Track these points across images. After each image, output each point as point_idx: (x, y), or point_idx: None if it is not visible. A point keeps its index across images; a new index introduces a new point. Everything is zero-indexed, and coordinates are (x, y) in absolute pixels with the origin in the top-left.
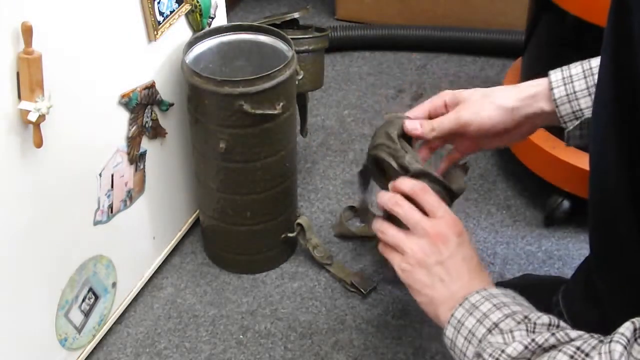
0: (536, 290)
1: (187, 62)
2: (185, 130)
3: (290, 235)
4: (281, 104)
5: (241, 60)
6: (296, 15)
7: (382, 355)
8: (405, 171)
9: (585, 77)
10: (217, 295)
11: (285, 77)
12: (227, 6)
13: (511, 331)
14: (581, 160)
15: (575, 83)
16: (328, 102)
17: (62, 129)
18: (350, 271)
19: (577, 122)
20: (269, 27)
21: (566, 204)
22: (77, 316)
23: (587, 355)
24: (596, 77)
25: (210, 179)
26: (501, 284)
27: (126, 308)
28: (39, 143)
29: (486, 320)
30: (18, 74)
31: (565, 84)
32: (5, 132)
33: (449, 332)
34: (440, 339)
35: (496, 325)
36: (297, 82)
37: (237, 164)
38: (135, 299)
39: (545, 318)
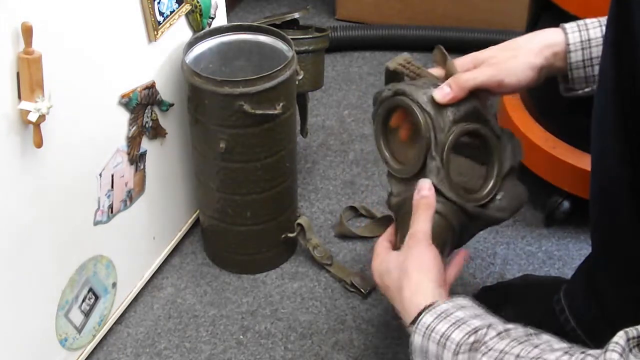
0: (537, 290)
1: (187, 62)
2: (185, 130)
3: (290, 235)
4: (281, 104)
5: (241, 60)
6: (296, 15)
7: (382, 355)
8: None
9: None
10: (217, 295)
11: (285, 77)
12: (227, 6)
13: None
14: (581, 161)
15: (593, 49)
16: (328, 102)
17: (62, 129)
18: (350, 271)
19: (587, 87)
20: (269, 27)
21: (566, 204)
22: (77, 316)
23: None
24: None
25: (210, 179)
26: (501, 284)
27: (126, 308)
28: (39, 143)
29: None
30: (18, 74)
31: (583, 49)
32: (5, 132)
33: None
34: None
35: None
36: (297, 82)
37: (237, 164)
38: (135, 299)
39: (491, 331)
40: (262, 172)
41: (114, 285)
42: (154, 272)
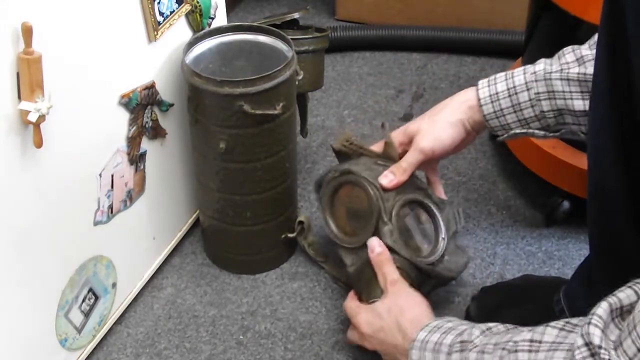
0: (537, 290)
1: (187, 62)
2: (185, 130)
3: (290, 235)
4: (281, 104)
5: (241, 60)
6: (296, 15)
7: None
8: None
9: (510, 96)
10: (217, 295)
11: (285, 77)
12: (227, 6)
13: None
14: (581, 161)
15: (501, 101)
16: (328, 102)
17: (62, 129)
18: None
19: (507, 134)
20: (269, 27)
21: (566, 204)
22: (77, 316)
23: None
24: (519, 96)
25: (210, 179)
26: (501, 284)
27: (126, 308)
28: (39, 143)
29: None
30: (18, 74)
31: (492, 102)
32: (5, 132)
33: None
34: None
35: None
36: (297, 83)
37: (237, 164)
38: (135, 299)
39: (476, 331)
40: (262, 173)
41: (114, 285)
42: (154, 272)
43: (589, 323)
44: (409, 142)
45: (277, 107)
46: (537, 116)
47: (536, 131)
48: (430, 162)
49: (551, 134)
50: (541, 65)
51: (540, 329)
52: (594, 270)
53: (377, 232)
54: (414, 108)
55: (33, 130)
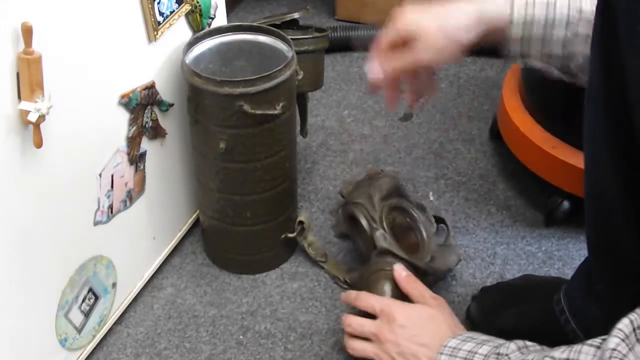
0: (537, 290)
1: (187, 62)
2: (185, 130)
3: (290, 235)
4: (281, 104)
5: (241, 60)
6: (296, 15)
7: None
8: (373, 245)
9: (545, 26)
10: (217, 295)
11: (285, 77)
12: (227, 6)
13: None
14: (581, 161)
15: (534, 28)
16: (328, 102)
17: (62, 129)
18: (344, 268)
19: (522, 62)
20: (269, 27)
21: (566, 204)
22: (77, 316)
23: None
24: (555, 31)
25: (210, 179)
26: (501, 284)
27: (126, 308)
28: (39, 143)
29: None
30: (18, 74)
31: (524, 25)
32: (5, 132)
33: None
34: None
35: None
36: (297, 83)
37: (237, 164)
38: (135, 299)
39: (512, 345)
40: (262, 173)
41: (114, 285)
42: (154, 272)
43: (610, 335)
44: (410, 41)
45: (277, 107)
46: (564, 56)
47: (555, 70)
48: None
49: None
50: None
51: (577, 347)
52: (593, 271)
53: (372, 239)
54: (414, 108)
55: (33, 130)
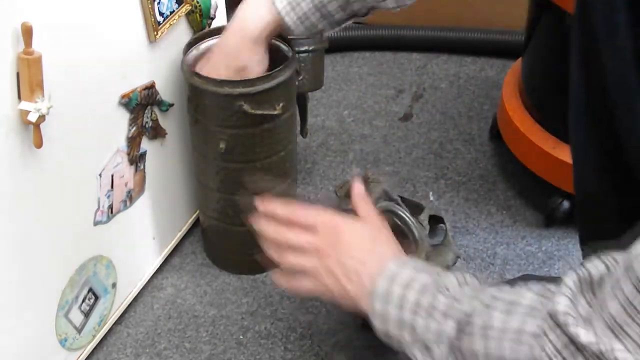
0: None
1: (186, 62)
2: (185, 130)
3: None
4: (281, 104)
5: None
6: None
7: (382, 355)
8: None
9: None
10: (217, 295)
11: (285, 77)
12: (227, 6)
13: (434, 307)
14: None
15: (302, 4)
16: (328, 102)
17: (62, 129)
18: None
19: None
20: None
21: (566, 204)
22: (77, 316)
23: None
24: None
25: (210, 179)
26: (502, 283)
27: (126, 308)
28: (39, 143)
29: (406, 304)
30: (18, 74)
31: (293, 9)
32: (5, 132)
33: (377, 322)
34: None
35: (417, 305)
36: (297, 83)
37: (237, 164)
38: (135, 299)
39: (452, 278)
40: (262, 173)
41: (114, 285)
42: (154, 272)
43: (557, 293)
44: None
45: (277, 107)
46: (341, 6)
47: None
48: None
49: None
50: None
51: (520, 290)
52: None
53: None
54: (414, 108)
55: (33, 130)
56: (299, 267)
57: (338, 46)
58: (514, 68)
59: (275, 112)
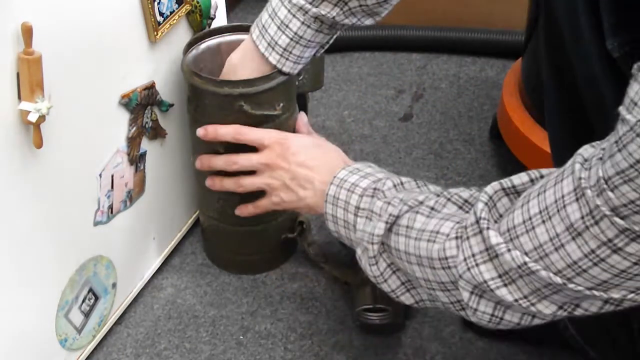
0: None
1: (186, 62)
2: (186, 130)
3: (290, 236)
4: (281, 104)
5: None
6: None
7: (382, 355)
8: None
9: (282, 30)
10: (217, 295)
11: (285, 77)
12: (227, 6)
13: (371, 210)
14: None
15: (279, 41)
16: (328, 102)
17: (62, 129)
18: (344, 269)
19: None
20: None
21: None
22: (77, 317)
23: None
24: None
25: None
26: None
27: (126, 308)
28: (39, 144)
29: (349, 207)
30: (18, 74)
31: (273, 47)
32: (5, 132)
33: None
34: (440, 339)
35: (358, 208)
36: (297, 83)
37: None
38: (135, 300)
39: (388, 182)
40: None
41: (114, 285)
42: (154, 272)
43: (479, 200)
44: None
45: (277, 107)
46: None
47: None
48: None
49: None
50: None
51: (443, 200)
52: None
53: None
54: (414, 108)
55: (33, 131)
56: (254, 188)
57: (338, 46)
58: (514, 68)
59: (275, 113)
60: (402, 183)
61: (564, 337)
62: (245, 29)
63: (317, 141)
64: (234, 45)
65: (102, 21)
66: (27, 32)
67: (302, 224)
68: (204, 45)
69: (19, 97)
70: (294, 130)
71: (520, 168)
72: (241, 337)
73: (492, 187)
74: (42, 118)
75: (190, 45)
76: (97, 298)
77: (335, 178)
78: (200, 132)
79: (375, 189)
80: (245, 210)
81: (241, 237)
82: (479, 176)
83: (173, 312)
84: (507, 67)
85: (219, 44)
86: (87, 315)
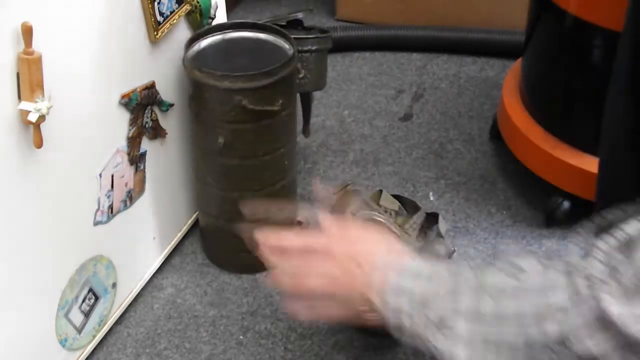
0: None
1: (188, 57)
2: (186, 130)
3: None
4: (280, 101)
5: (243, 58)
6: (300, 15)
7: (382, 355)
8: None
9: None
10: (218, 295)
11: (285, 74)
12: (227, 6)
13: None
14: (581, 161)
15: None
16: (328, 102)
17: (62, 129)
18: None
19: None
20: (271, 25)
21: (566, 204)
22: (77, 316)
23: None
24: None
25: (210, 175)
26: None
27: (126, 308)
28: (39, 143)
29: (417, 296)
30: (18, 74)
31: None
32: (5, 132)
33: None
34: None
35: (426, 299)
36: (298, 81)
37: (236, 160)
38: (135, 300)
39: (466, 267)
40: (261, 169)
41: (114, 285)
42: (154, 272)
43: (590, 256)
44: None
45: (276, 104)
46: None
47: None
48: None
49: None
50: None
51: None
52: None
53: None
54: (414, 108)
55: (33, 131)
56: (323, 275)
57: (338, 46)
58: (514, 68)
59: (275, 109)
60: (475, 273)
61: None
62: (248, 27)
63: (378, 230)
64: (236, 42)
65: (103, 21)
66: (27, 32)
67: (301, 223)
68: (206, 41)
69: (19, 97)
70: (294, 131)
71: (521, 168)
72: (241, 337)
73: (605, 243)
74: (42, 118)
75: (192, 41)
76: (97, 298)
77: (399, 265)
78: (260, 236)
79: (441, 276)
80: (285, 283)
81: (240, 235)
82: (479, 176)
83: (173, 312)
84: (507, 67)
85: (221, 41)
86: (87, 315)
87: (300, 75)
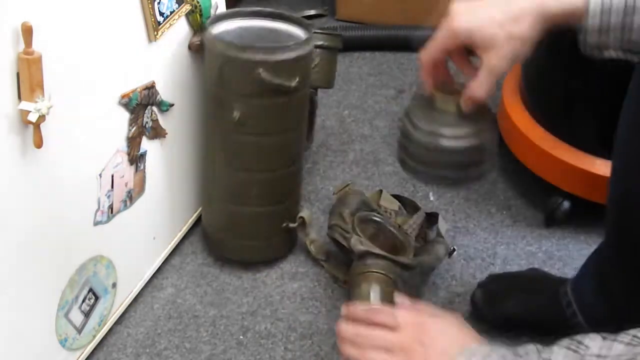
0: (543, 282)
1: (210, 31)
2: (186, 130)
3: (292, 225)
4: (297, 78)
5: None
6: (312, 12)
7: None
8: (352, 252)
9: (625, 14)
10: (218, 295)
11: (304, 52)
12: (227, 6)
13: None
14: (581, 161)
15: (612, 15)
16: (328, 102)
17: (62, 129)
18: (344, 269)
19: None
20: (288, 14)
21: (566, 204)
22: (77, 316)
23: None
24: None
25: (221, 150)
26: (509, 273)
27: (126, 308)
28: (39, 143)
29: None
30: (18, 74)
31: (602, 13)
32: (5, 132)
33: None
34: None
35: None
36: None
37: (248, 137)
38: (135, 300)
39: (531, 346)
40: (271, 150)
41: (114, 285)
42: (154, 272)
43: None
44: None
45: (293, 80)
46: None
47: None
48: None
49: None
50: None
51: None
52: (610, 269)
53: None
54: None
55: (33, 131)
56: None
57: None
58: (514, 68)
59: (291, 84)
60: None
61: (569, 324)
62: (265, 15)
63: (451, 320)
64: (253, 30)
65: (102, 21)
66: (27, 32)
67: (303, 219)
68: (223, 26)
69: (19, 97)
70: (305, 114)
71: (521, 168)
72: (241, 337)
73: None
74: (42, 118)
75: (212, 22)
76: (97, 298)
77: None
78: (344, 310)
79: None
80: None
81: (244, 219)
82: None
83: (173, 312)
84: None
85: (237, 29)
86: (87, 315)
87: (313, 65)
